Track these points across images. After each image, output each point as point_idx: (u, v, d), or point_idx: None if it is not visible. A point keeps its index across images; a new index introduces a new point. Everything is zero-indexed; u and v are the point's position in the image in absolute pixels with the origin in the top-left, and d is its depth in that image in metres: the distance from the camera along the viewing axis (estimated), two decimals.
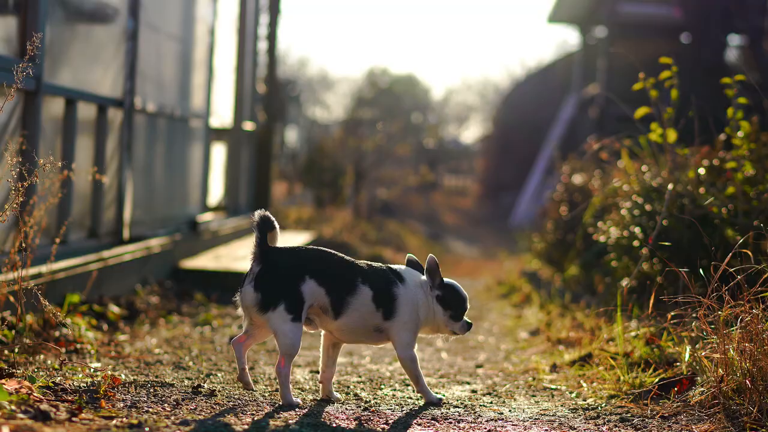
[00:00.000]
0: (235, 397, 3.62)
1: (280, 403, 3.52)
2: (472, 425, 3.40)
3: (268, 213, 3.41)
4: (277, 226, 3.43)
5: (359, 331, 3.50)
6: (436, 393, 3.85)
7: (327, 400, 3.62)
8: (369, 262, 3.57)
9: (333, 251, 3.52)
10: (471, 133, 44.01)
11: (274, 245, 3.44)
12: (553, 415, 3.58)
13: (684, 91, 5.45)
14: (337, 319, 3.43)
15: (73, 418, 3.01)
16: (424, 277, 3.57)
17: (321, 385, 3.64)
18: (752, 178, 5.07)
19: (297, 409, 3.47)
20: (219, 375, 4.07)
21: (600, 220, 6.28)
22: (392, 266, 3.57)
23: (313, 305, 3.41)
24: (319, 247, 3.53)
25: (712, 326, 3.66)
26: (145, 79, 6.67)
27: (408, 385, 4.10)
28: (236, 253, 8.00)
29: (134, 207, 6.55)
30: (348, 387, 3.98)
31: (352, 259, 3.53)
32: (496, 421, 3.48)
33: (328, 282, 3.39)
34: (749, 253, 4.09)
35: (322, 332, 3.61)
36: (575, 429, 3.38)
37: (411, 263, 3.64)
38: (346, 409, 3.54)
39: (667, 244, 5.02)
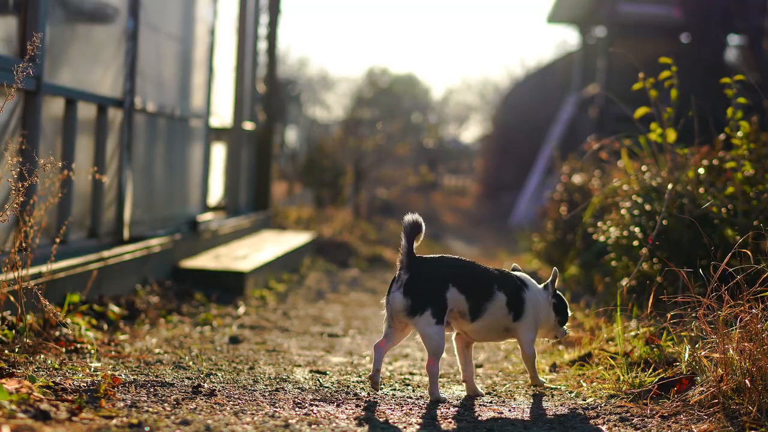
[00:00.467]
0: (235, 396, 3.62)
1: (429, 399, 3.73)
2: (472, 424, 3.41)
3: (418, 217, 3.62)
4: (424, 229, 3.63)
5: (491, 332, 3.86)
6: (442, 393, 3.85)
7: (471, 396, 3.88)
8: (497, 269, 3.88)
9: (469, 260, 3.83)
10: (471, 133, 44.02)
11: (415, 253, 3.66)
12: (552, 415, 3.58)
13: (684, 91, 5.45)
14: (474, 322, 3.75)
15: (73, 418, 3.02)
16: (539, 285, 3.96)
17: (465, 384, 3.93)
18: (752, 178, 5.08)
19: (297, 409, 3.48)
20: (219, 375, 4.07)
21: (600, 220, 6.28)
22: (513, 273, 3.91)
23: (453, 310, 3.69)
24: (457, 257, 3.79)
25: (712, 326, 3.66)
26: (145, 79, 6.68)
27: (408, 384, 4.11)
28: (236, 252, 8.01)
29: (134, 207, 6.56)
30: (348, 387, 3.99)
31: (486, 267, 3.84)
32: (495, 420, 3.49)
33: (468, 289, 3.69)
34: (749, 252, 4.10)
35: (454, 336, 3.91)
36: (575, 429, 3.38)
37: (516, 271, 3.99)
38: (346, 408, 3.55)
39: (666, 243, 5.02)
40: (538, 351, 5.07)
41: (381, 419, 3.41)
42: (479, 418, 3.52)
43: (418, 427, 3.34)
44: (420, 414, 3.54)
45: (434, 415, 3.52)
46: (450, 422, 3.43)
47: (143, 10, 6.52)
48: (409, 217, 3.58)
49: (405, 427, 3.32)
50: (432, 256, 3.72)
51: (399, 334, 3.72)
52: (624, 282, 5.22)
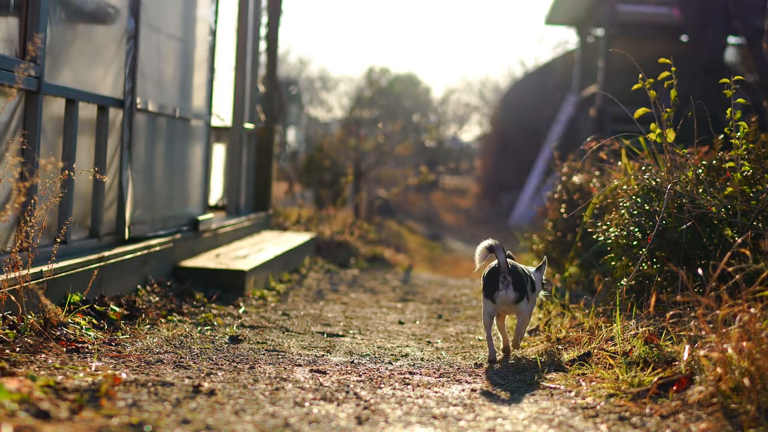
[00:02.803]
0: (236, 396, 3.63)
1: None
2: (472, 424, 3.42)
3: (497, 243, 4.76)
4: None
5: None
6: (436, 391, 3.86)
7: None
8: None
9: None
10: (471, 132, 44.03)
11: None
12: (552, 414, 3.59)
13: (683, 91, 5.46)
14: (528, 302, 4.88)
15: (74, 417, 3.03)
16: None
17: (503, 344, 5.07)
18: (751, 178, 5.09)
19: (297, 408, 3.49)
20: (219, 374, 4.09)
21: (599, 219, 6.29)
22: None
23: None
24: (515, 263, 4.87)
25: (711, 325, 3.67)
26: (145, 79, 6.69)
27: (408, 384, 4.12)
28: (236, 252, 8.02)
29: (135, 207, 6.57)
30: (348, 386, 4.00)
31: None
32: (495, 419, 3.50)
33: (530, 282, 4.90)
34: (748, 252, 4.11)
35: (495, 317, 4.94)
36: (574, 428, 3.39)
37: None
38: (346, 408, 3.56)
39: (665, 243, 5.03)
40: (537, 350, 5.09)
41: (381, 418, 3.42)
42: (478, 417, 3.53)
43: (418, 425, 3.35)
44: (420, 413, 3.55)
45: (434, 414, 3.53)
46: (449, 421, 3.44)
47: (144, 11, 6.53)
48: (497, 243, 4.72)
49: (405, 426, 3.33)
50: (512, 263, 4.79)
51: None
52: (623, 282, 5.24)
